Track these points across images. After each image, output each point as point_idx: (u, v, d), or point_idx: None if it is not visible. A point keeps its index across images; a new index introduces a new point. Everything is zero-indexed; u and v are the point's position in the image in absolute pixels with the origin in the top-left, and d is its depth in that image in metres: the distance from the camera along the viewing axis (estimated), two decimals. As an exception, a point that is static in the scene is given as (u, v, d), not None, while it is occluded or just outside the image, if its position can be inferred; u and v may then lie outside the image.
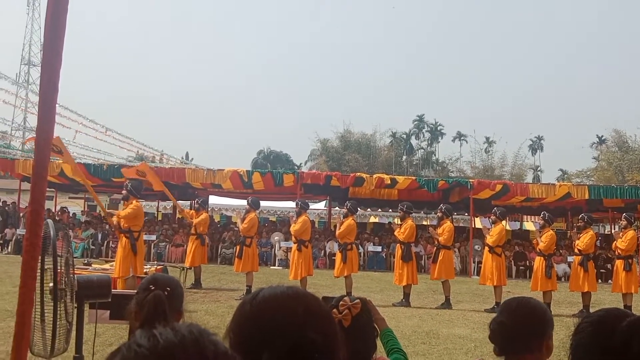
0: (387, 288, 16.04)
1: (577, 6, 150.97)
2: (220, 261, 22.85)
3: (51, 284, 3.66)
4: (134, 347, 0.92)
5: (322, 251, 23.56)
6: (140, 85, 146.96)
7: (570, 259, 17.41)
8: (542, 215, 14.23)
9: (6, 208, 26.74)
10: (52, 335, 3.62)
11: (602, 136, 71.57)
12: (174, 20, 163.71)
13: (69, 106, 24.47)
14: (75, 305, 3.87)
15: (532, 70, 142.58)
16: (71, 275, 3.83)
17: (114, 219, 12.27)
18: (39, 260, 3.29)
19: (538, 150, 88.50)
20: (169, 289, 3.00)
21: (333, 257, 19.43)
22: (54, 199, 32.53)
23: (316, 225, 30.88)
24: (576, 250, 13.82)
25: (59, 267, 3.72)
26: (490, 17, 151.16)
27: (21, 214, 24.85)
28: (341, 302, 2.66)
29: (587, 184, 31.67)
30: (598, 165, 56.52)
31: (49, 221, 3.84)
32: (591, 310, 13.01)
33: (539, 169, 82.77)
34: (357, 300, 2.70)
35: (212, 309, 11.50)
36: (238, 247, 14.41)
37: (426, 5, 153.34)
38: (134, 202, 12.34)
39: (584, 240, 13.48)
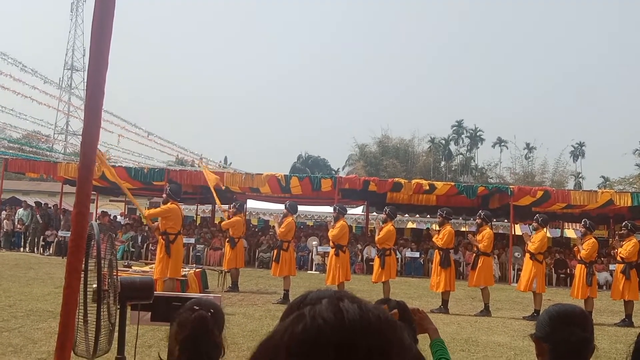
0: (425, 294, 15.92)
1: (623, 11, 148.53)
2: (257, 265, 22.99)
3: (95, 285, 3.70)
4: (319, 321, 0.89)
5: (360, 256, 23.49)
6: (181, 90, 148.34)
7: (612, 267, 17.09)
8: (583, 223, 14.00)
9: (48, 210, 27.15)
10: (95, 336, 3.67)
11: (644, 142, 70.38)
12: (214, 27, 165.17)
13: (113, 111, 24.72)
14: (118, 307, 3.91)
15: (574, 76, 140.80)
16: (114, 277, 3.88)
17: (155, 224, 12.29)
18: (83, 262, 3.34)
19: (579, 157, 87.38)
20: (212, 310, 3.01)
21: (370, 263, 19.37)
22: (95, 202, 33.00)
23: (353, 231, 30.81)
24: (618, 258, 13.58)
25: (102, 269, 3.76)
26: (533, 21, 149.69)
27: (61, 216, 25.19)
28: None
29: (630, 191, 31.13)
30: (641, 172, 55.59)
31: (94, 223, 3.89)
32: (634, 319, 12.82)
33: (580, 175, 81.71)
34: (395, 311, 2.66)
35: (249, 312, 11.55)
36: (275, 251, 14.46)
37: (466, 10, 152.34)
38: (169, 203, 12.40)
39: (626, 248, 13.25)
